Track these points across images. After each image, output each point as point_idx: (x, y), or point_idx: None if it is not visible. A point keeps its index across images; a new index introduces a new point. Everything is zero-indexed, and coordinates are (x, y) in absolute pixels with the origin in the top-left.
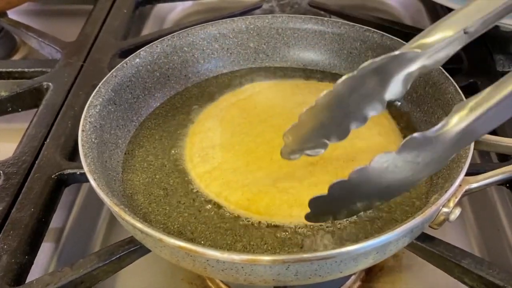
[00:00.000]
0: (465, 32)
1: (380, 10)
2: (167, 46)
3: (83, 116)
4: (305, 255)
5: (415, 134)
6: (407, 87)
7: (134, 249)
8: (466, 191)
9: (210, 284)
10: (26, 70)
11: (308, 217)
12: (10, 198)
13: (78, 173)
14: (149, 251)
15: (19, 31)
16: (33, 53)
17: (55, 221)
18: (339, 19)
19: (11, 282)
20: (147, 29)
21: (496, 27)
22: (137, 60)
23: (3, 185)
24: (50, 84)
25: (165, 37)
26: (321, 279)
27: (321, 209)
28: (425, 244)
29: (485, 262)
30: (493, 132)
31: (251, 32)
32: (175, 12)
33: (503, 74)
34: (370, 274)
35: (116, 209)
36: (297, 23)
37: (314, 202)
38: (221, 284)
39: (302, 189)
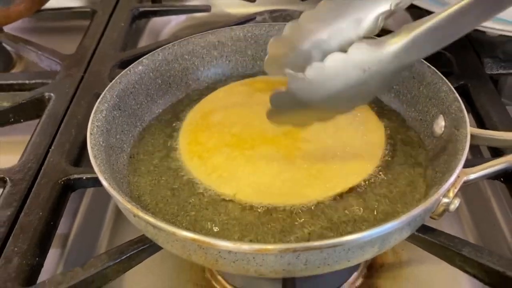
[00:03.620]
0: None
1: None
2: (168, 54)
3: (90, 120)
4: (315, 243)
5: (361, 40)
6: (379, 25)
7: (144, 248)
8: (464, 182)
9: (215, 285)
10: (26, 82)
11: (268, 114)
12: (18, 203)
13: (84, 178)
14: (157, 250)
15: (17, 45)
16: (30, 68)
17: (60, 227)
18: None
19: (23, 282)
20: (143, 43)
21: (483, 32)
22: (140, 67)
23: (10, 191)
24: (51, 94)
25: (166, 45)
26: (330, 268)
27: (282, 105)
28: (427, 236)
29: (485, 250)
30: (483, 126)
31: (249, 40)
32: (169, 26)
33: (491, 76)
34: (371, 270)
35: (129, 206)
36: None
37: (275, 98)
38: (227, 285)
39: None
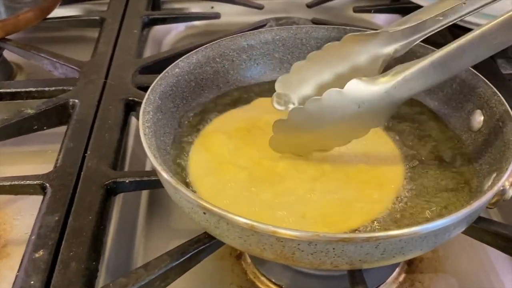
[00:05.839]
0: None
1: (368, 28)
2: (201, 56)
3: (140, 121)
4: (397, 232)
5: (357, 78)
6: (380, 69)
7: (203, 248)
8: None
9: (260, 285)
10: (46, 89)
11: (270, 141)
12: (63, 208)
13: (127, 181)
14: (215, 250)
15: (28, 53)
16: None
17: None
18: None
19: (84, 287)
20: (148, 51)
21: None
22: (177, 70)
23: (53, 197)
24: (76, 100)
25: (199, 48)
26: (403, 257)
27: (283, 133)
28: (480, 225)
29: None
30: None
31: (277, 42)
32: (170, 36)
33: (506, 76)
34: (412, 266)
35: (202, 203)
36: (320, 33)
37: (277, 126)
38: (271, 285)
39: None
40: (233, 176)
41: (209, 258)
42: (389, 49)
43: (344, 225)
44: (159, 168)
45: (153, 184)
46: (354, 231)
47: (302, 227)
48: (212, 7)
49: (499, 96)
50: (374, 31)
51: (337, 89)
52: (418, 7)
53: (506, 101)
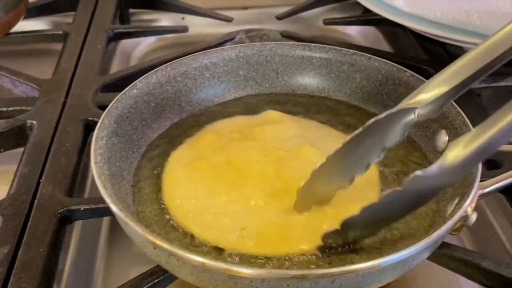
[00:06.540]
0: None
1: (340, 40)
2: (161, 76)
3: (92, 148)
4: (352, 267)
5: (418, 172)
6: (405, 134)
7: (157, 281)
8: (479, 196)
9: None
10: (4, 109)
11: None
12: (14, 239)
13: (82, 209)
14: (171, 282)
15: None
16: None
17: None
18: None
19: None
20: (115, 65)
21: (461, 48)
22: (134, 91)
23: (4, 227)
24: (34, 122)
25: (159, 68)
26: None
27: (333, 240)
28: (443, 251)
29: (503, 262)
30: None
31: (241, 60)
32: (139, 48)
33: (475, 90)
34: None
35: (152, 239)
36: (285, 49)
37: (326, 236)
38: None
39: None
40: (200, 173)
41: (171, 285)
42: (411, 120)
43: (276, 248)
44: (108, 200)
45: (110, 211)
46: (285, 256)
47: (232, 241)
48: (183, 18)
49: (463, 117)
50: (393, 111)
51: (395, 190)
52: (386, 19)
53: (475, 115)
